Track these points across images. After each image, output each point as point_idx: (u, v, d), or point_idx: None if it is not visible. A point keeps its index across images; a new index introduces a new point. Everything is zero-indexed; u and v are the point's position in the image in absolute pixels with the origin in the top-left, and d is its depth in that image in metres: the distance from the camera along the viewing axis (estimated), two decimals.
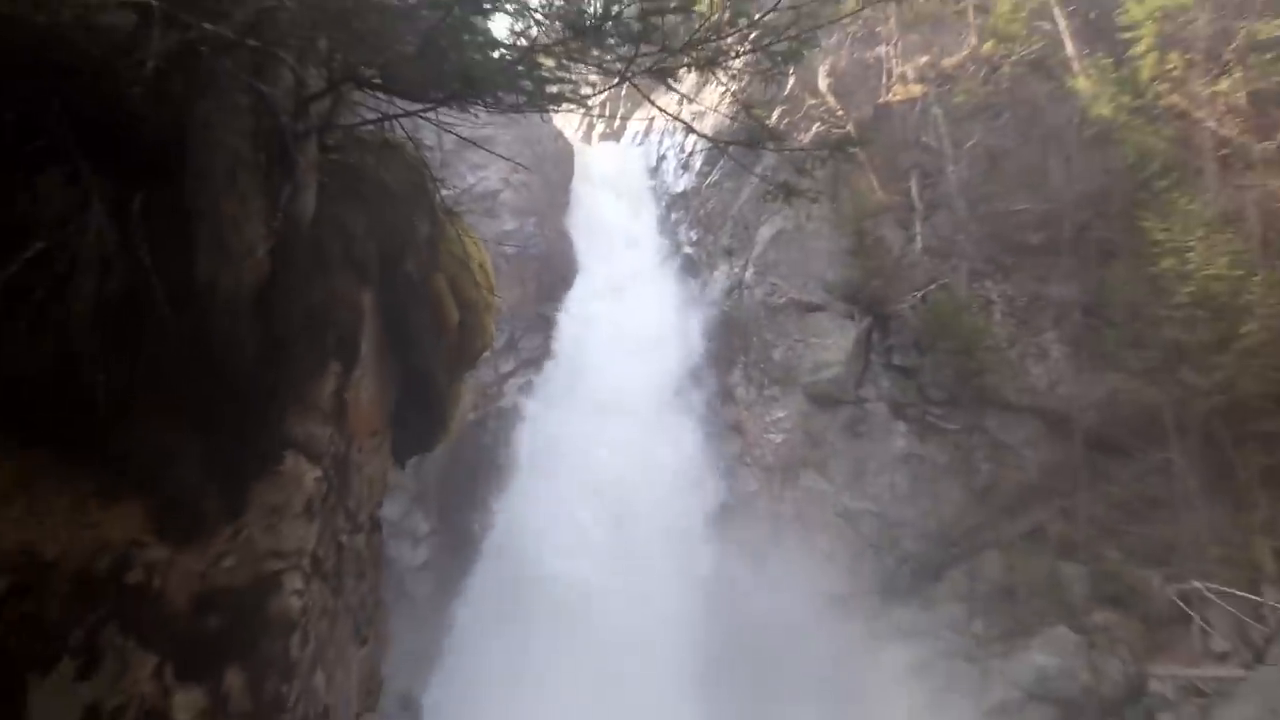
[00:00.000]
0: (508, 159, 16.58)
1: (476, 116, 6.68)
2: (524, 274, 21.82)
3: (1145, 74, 23.33)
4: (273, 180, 5.51)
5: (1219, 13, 22.51)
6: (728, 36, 6.74)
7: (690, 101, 7.71)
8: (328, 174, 6.08)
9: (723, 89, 8.60)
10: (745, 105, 8.96)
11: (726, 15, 6.62)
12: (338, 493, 6.28)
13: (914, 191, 23.85)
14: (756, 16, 6.69)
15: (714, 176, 25.31)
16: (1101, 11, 24.58)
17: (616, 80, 6.56)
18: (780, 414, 21.39)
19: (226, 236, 5.21)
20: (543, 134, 24.42)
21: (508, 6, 6.29)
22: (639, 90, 7.29)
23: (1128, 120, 23.07)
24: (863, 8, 8.54)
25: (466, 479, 18.99)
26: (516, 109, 6.57)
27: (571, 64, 6.39)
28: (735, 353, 22.55)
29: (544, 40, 6.35)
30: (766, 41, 6.85)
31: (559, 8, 6.23)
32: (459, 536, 18.74)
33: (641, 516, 18.95)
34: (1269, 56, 21.77)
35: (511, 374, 21.10)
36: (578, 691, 15.92)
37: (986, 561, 19.66)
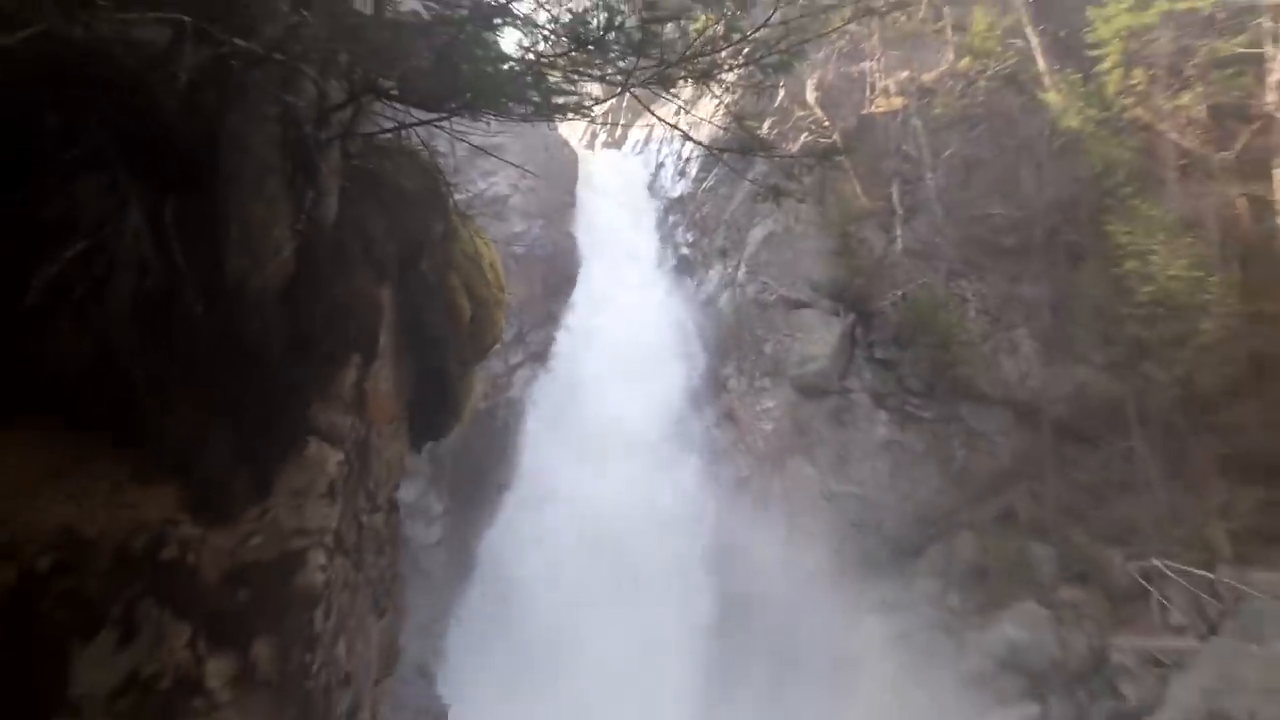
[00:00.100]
0: (517, 166, 16.63)
1: (487, 125, 6.67)
2: (531, 273, 21.83)
3: (1111, 89, 23.37)
4: (298, 186, 5.51)
5: (1181, 31, 22.52)
6: (722, 50, 6.74)
7: (687, 112, 7.71)
8: (349, 179, 6.09)
9: (717, 101, 8.60)
10: (737, 117, 8.94)
11: (721, 29, 6.62)
12: (358, 475, 6.29)
13: (895, 197, 23.87)
14: (749, 32, 6.68)
15: (709, 182, 25.33)
16: (1070, 30, 24.59)
17: (618, 90, 6.55)
18: (770, 404, 21.42)
19: (255, 238, 5.21)
20: (549, 142, 24.43)
21: (516, 22, 6.29)
22: (639, 101, 7.29)
23: (1094, 132, 23.14)
24: (848, 23, 8.52)
25: (477, 463, 19.01)
26: (525, 119, 6.57)
27: (576, 76, 6.39)
28: (728, 346, 22.56)
29: (550, 54, 6.35)
30: (759, 55, 6.85)
31: (565, 23, 6.22)
32: (470, 516, 18.76)
33: (642, 490, 18.98)
34: (1228, 73, 21.85)
35: (520, 365, 21.12)
36: (584, 652, 15.96)
37: (961, 541, 19.69)
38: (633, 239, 25.44)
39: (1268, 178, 21.24)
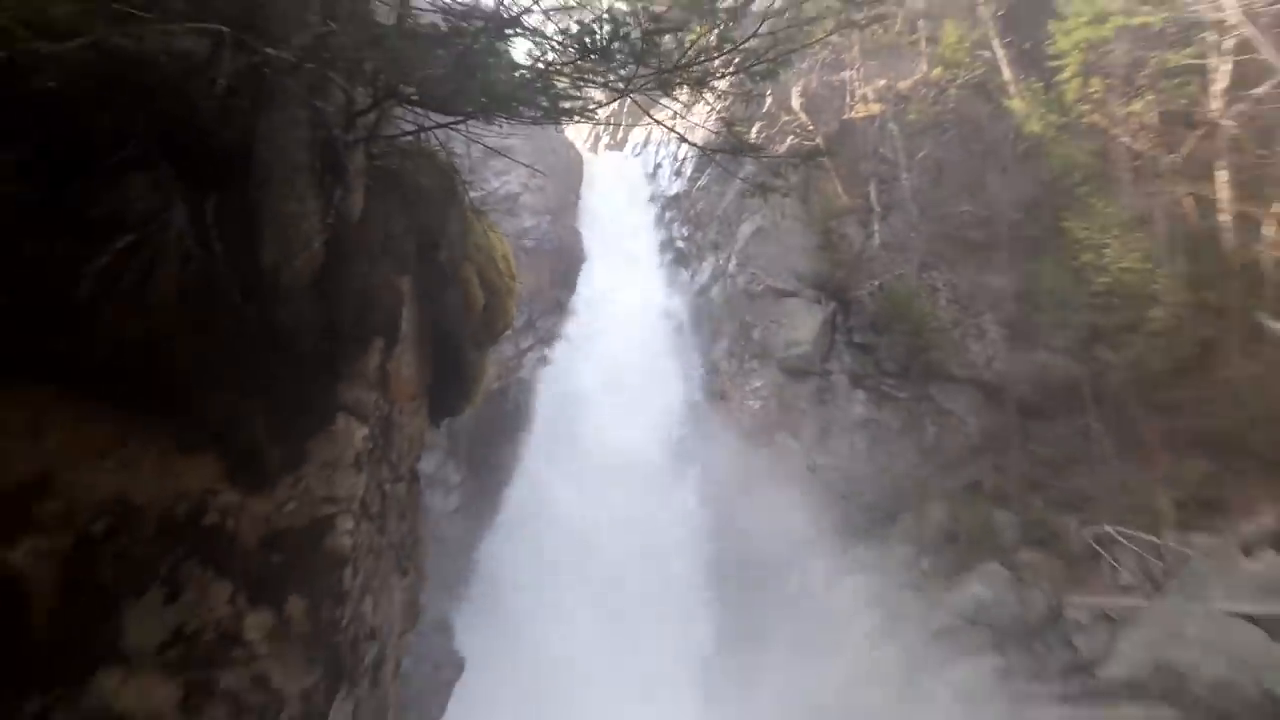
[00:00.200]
0: (527, 166, 16.57)
1: (500, 128, 6.67)
2: (540, 264, 21.81)
3: (1070, 96, 23.33)
4: (326, 184, 5.51)
5: (1134, 44, 22.47)
6: (715, 59, 6.73)
7: (683, 116, 7.70)
8: (372, 178, 6.08)
9: (710, 106, 8.58)
10: (728, 122, 8.93)
11: (714, 39, 6.60)
12: (382, 448, 6.30)
13: (873, 196, 23.83)
14: (740, 42, 6.67)
15: (702, 181, 25.30)
16: (1034, 42, 24.54)
17: (620, 95, 6.54)
18: (758, 384, 21.42)
19: (287, 232, 5.21)
20: (557, 144, 24.39)
21: (527, 34, 6.28)
22: (639, 105, 7.29)
23: (1055, 136, 23.16)
24: (830, 35, 8.48)
25: (491, 438, 19.03)
26: (535, 122, 6.56)
27: (582, 83, 6.37)
28: (720, 332, 22.56)
29: (558, 62, 6.34)
30: (748, 64, 6.83)
31: (572, 34, 6.21)
32: (485, 486, 18.79)
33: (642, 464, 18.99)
34: (1176, 82, 21.83)
35: (530, 349, 21.12)
36: (589, 614, 15.99)
37: (932, 509, 19.71)
38: (633, 234, 25.40)
39: (1211, 179, 21.22)
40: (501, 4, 6.14)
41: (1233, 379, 19.48)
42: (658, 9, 6.78)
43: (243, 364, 5.13)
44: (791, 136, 23.89)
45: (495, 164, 15.50)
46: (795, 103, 25.21)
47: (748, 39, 6.72)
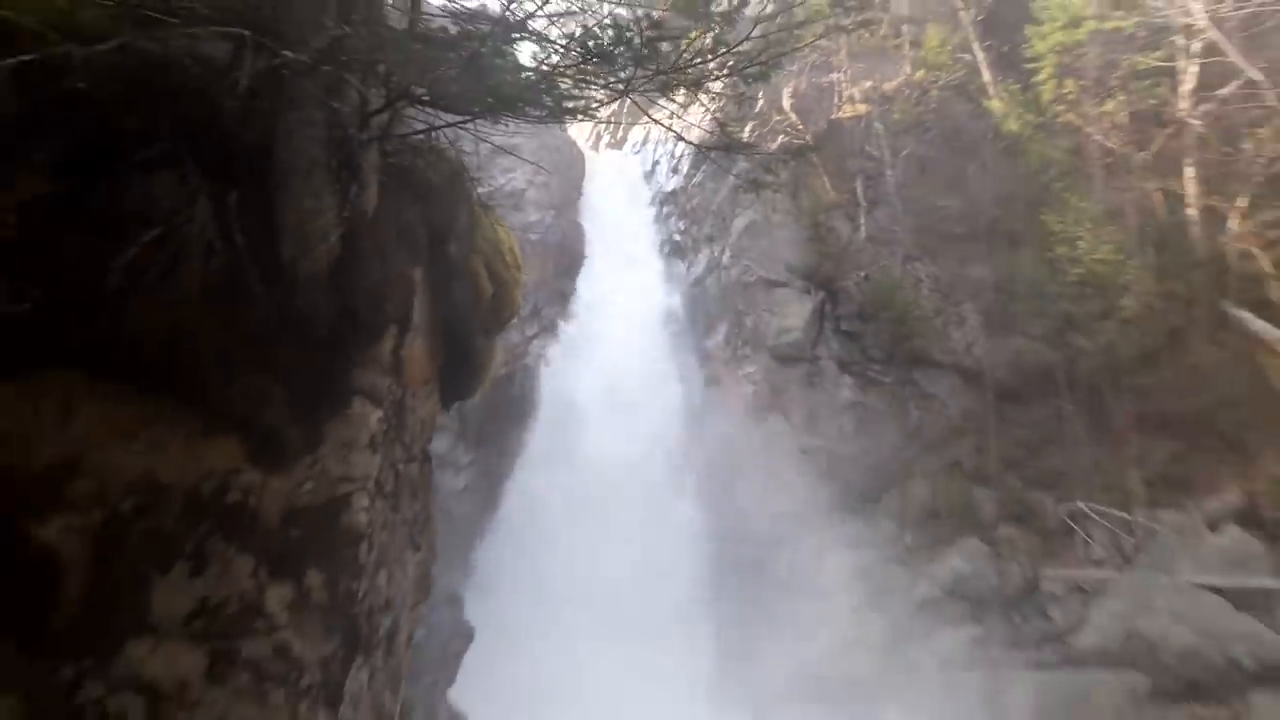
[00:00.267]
0: (532, 163, 16.52)
1: (507, 127, 6.66)
2: (544, 256, 21.78)
3: (1046, 97, 23.36)
4: (342, 180, 5.50)
5: (1106, 47, 22.50)
6: (710, 61, 6.71)
7: (679, 116, 7.69)
8: (386, 174, 6.07)
9: (705, 107, 8.57)
10: (722, 123, 8.92)
11: (709, 41, 6.59)
12: (396, 430, 6.29)
13: (859, 191, 23.81)
14: (734, 45, 6.66)
15: (698, 178, 25.25)
16: (1011, 46, 24.53)
17: (620, 94, 6.53)
18: (751, 369, 21.41)
19: (306, 226, 5.20)
20: (560, 143, 24.32)
21: (532, 37, 6.27)
22: (638, 106, 7.27)
23: (1032, 134, 23.20)
24: (818, 39, 8.48)
25: (499, 420, 19.03)
26: (539, 121, 6.55)
27: (584, 84, 6.36)
28: (714, 320, 22.55)
29: (562, 65, 6.32)
30: (742, 66, 6.81)
31: (576, 37, 6.19)
32: (493, 465, 18.80)
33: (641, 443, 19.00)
34: (1146, 83, 21.90)
35: (535, 336, 21.11)
36: (593, 582, 16.01)
37: (915, 487, 19.73)
38: (633, 228, 25.36)
39: (1179, 175, 21.26)
40: (507, 9, 6.12)
41: (1199, 364, 19.55)
42: (657, 13, 6.78)
43: (263, 351, 5.13)
44: (782, 135, 23.81)
45: (502, 161, 15.43)
46: (786, 103, 25.14)
47: (741, 42, 6.71)
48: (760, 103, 24.07)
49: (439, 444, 10.61)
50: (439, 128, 6.75)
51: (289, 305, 5.15)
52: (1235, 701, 14.46)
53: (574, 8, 6.67)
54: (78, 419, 4.70)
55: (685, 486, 19.25)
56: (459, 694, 11.58)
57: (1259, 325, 19.57)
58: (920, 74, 25.95)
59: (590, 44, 6.14)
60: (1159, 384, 19.59)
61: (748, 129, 22.57)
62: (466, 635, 12.67)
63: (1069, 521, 18.63)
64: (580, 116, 6.89)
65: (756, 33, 6.69)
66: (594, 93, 6.60)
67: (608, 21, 6.18)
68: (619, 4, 6.64)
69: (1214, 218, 20.66)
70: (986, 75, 25.12)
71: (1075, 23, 22.63)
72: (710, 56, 6.67)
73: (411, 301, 6.38)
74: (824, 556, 18.51)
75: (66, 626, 4.50)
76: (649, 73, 6.31)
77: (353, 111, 5.62)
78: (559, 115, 6.68)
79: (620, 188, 26.80)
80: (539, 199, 22.90)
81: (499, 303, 8.26)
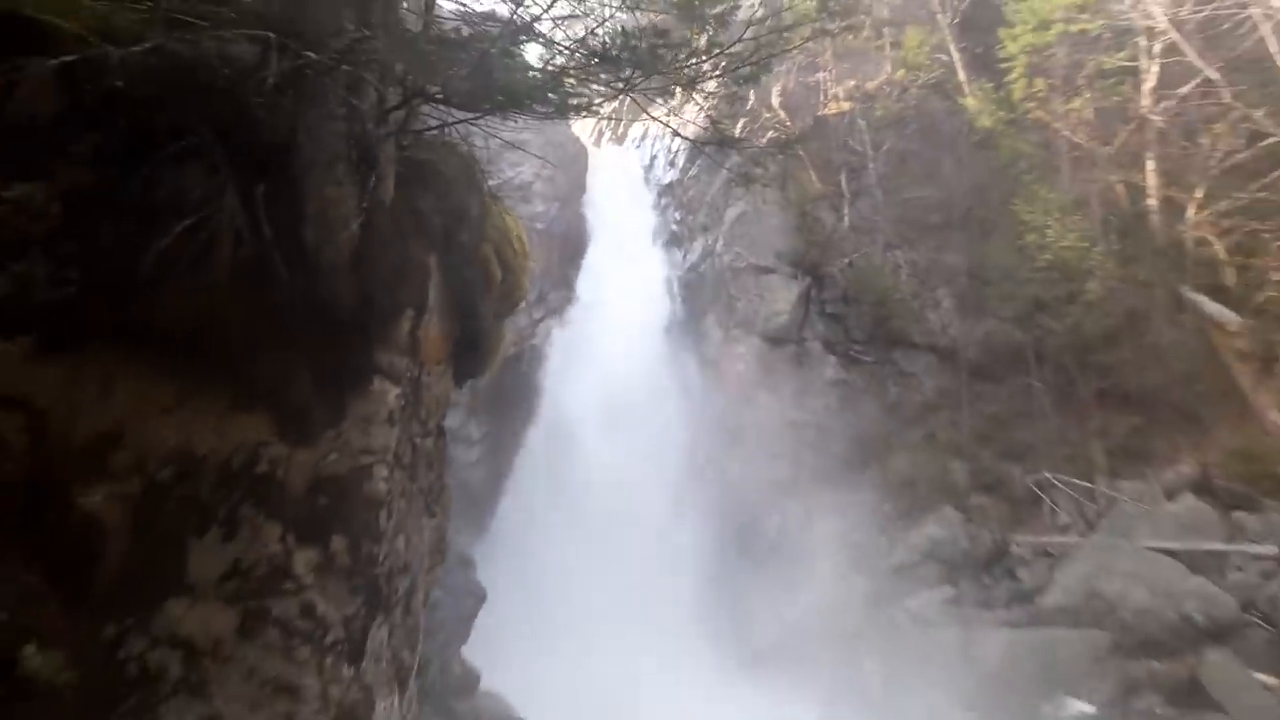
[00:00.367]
0: (539, 157, 16.47)
1: (515, 123, 6.63)
2: (550, 245, 21.75)
3: (1017, 95, 23.36)
4: (361, 172, 5.49)
5: (1074, 48, 22.52)
6: (704, 63, 6.69)
7: (676, 113, 7.68)
8: (402, 167, 6.06)
9: (700, 106, 8.55)
10: (715, 120, 8.91)
11: (703, 43, 6.57)
12: (413, 406, 6.30)
13: (843, 183, 23.80)
14: (726, 47, 6.64)
15: (693, 171, 25.20)
16: (985, 47, 24.52)
17: (620, 93, 6.51)
18: (742, 349, 21.40)
19: (328, 215, 5.20)
20: (564, 138, 24.22)
21: (539, 40, 6.25)
22: (637, 103, 7.25)
23: (1003, 130, 23.23)
24: (805, 41, 8.44)
25: (508, 397, 19.03)
26: (546, 118, 6.53)
27: (588, 84, 6.34)
28: (708, 304, 22.53)
29: (568, 66, 6.31)
30: (734, 67, 6.80)
31: (580, 39, 6.18)
32: (503, 440, 18.82)
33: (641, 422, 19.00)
34: (1111, 82, 21.93)
35: (541, 320, 21.10)
36: (594, 552, 16.05)
37: (894, 459, 19.78)
38: (632, 218, 25.30)
39: (1141, 168, 21.28)
40: (515, 12, 6.11)
41: (1158, 344, 19.61)
42: (657, 18, 6.76)
43: (289, 332, 5.14)
44: (771, 131, 23.76)
45: (511, 156, 15.35)
46: (775, 101, 25.11)
47: (734, 43, 6.69)
48: (751, 101, 24.02)
49: (452, 419, 10.63)
50: (452, 123, 6.74)
51: (312, 289, 5.16)
52: (1189, 656, 14.53)
53: (577, 11, 6.63)
54: (118, 395, 4.72)
55: (680, 458, 19.25)
56: (471, 650, 11.64)
57: (1213, 308, 19.65)
58: (900, 73, 25.94)
59: (594, 46, 6.14)
60: (1120, 362, 19.63)
61: (739, 125, 22.49)
62: (479, 596, 12.72)
63: (1036, 490, 18.68)
64: (583, 114, 6.87)
65: (748, 35, 6.67)
66: (597, 91, 6.58)
67: (616, 29, 6.19)
68: (619, 8, 6.60)
69: (1173, 208, 20.68)
70: (962, 75, 25.11)
71: (1044, 25, 22.59)
72: (704, 58, 6.65)
73: (427, 286, 6.37)
74: (810, 522, 18.57)
75: (109, 587, 4.52)
76: (649, 73, 6.30)
77: (371, 108, 5.61)
78: (564, 112, 6.66)
79: (621, 181, 26.72)
80: (545, 191, 22.87)
81: (508, 287, 8.25)
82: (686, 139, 8.88)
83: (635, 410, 18.88)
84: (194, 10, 4.61)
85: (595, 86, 6.47)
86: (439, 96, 6.16)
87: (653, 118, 8.25)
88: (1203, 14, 20.62)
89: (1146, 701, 14.20)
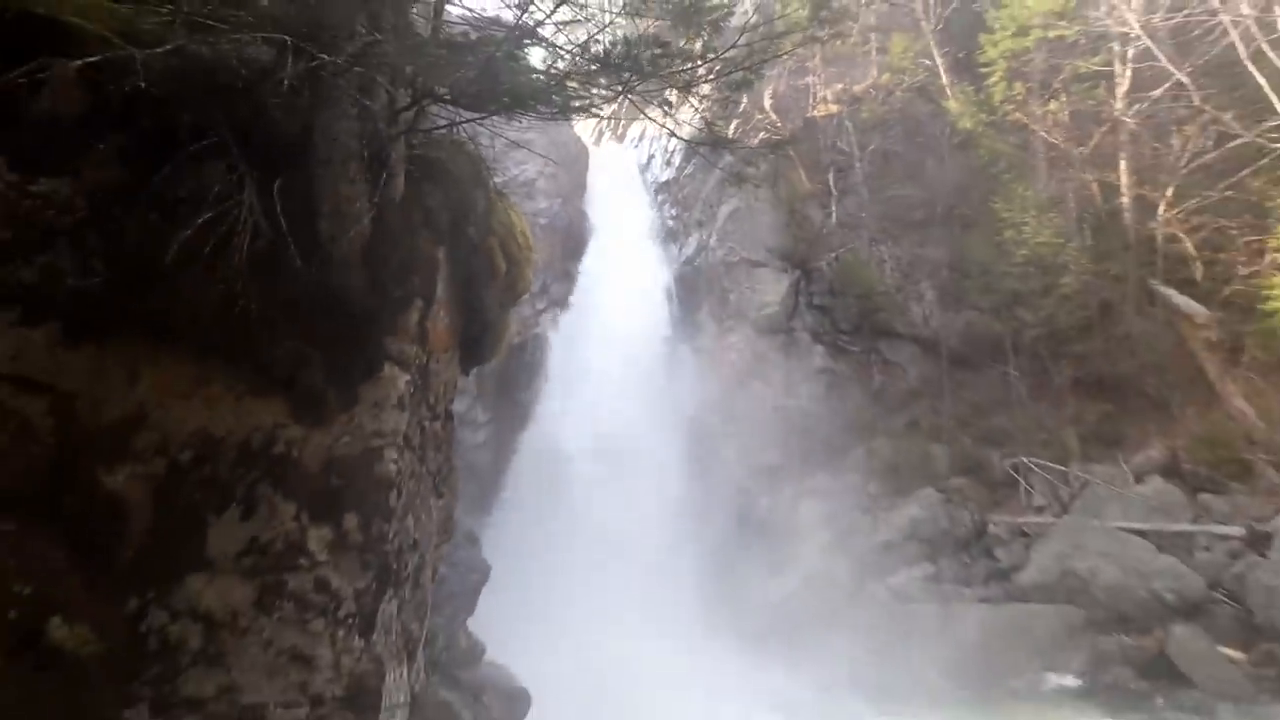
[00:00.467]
0: (542, 156, 16.39)
1: (519, 123, 6.63)
2: (552, 239, 21.71)
3: (997, 98, 23.30)
4: (373, 169, 5.49)
5: (1051, 53, 22.50)
6: (699, 68, 6.68)
7: (672, 114, 7.64)
8: (412, 165, 6.06)
9: (695, 108, 8.53)
10: (709, 121, 8.90)
11: (699, 47, 6.56)
12: (421, 391, 6.30)
13: (831, 182, 23.76)
14: (721, 52, 6.63)
15: (689, 169, 25.09)
16: (967, 52, 24.46)
17: (619, 94, 6.50)
18: (734, 339, 21.39)
19: (341, 210, 5.20)
20: (566, 138, 24.14)
21: (542, 44, 6.24)
22: (635, 105, 7.23)
23: (984, 131, 23.19)
24: (796, 48, 8.43)
25: (513, 383, 19.02)
26: (549, 118, 6.53)
27: (589, 87, 6.33)
28: (702, 296, 22.51)
29: (570, 70, 6.30)
30: (728, 72, 6.78)
31: (590, 51, 6.18)
32: (508, 423, 18.81)
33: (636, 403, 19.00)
34: (1086, 85, 21.90)
35: (544, 310, 21.07)
36: (594, 529, 16.06)
37: (879, 444, 19.80)
38: (630, 214, 25.25)
39: (1115, 167, 21.26)
40: (520, 17, 6.09)
41: (1129, 335, 19.68)
42: (655, 24, 6.75)
43: (304, 321, 5.15)
44: (763, 132, 23.68)
45: (515, 154, 15.29)
46: (766, 103, 25.04)
47: (729, 49, 6.67)
48: (743, 103, 23.94)
49: (459, 404, 10.61)
50: (459, 123, 6.72)
51: (326, 280, 5.16)
52: (1158, 630, 14.57)
53: (579, 17, 6.62)
54: (142, 380, 4.74)
55: (674, 440, 19.24)
56: (477, 623, 11.64)
57: (1182, 300, 19.71)
58: (886, 77, 25.89)
59: (596, 53, 6.13)
60: (1093, 352, 19.68)
61: (732, 126, 22.49)
62: (484, 572, 12.70)
63: (1013, 473, 18.70)
64: (584, 115, 6.86)
65: (741, 42, 6.66)
66: (597, 94, 6.57)
67: (617, 36, 6.19)
68: (619, 14, 6.59)
69: (1144, 205, 20.70)
70: (944, 78, 25.05)
71: (1024, 31, 22.56)
72: (700, 63, 6.64)
73: (435, 278, 6.37)
74: (798, 504, 18.61)
75: (132, 563, 4.54)
76: (647, 78, 6.29)
77: (382, 109, 5.61)
78: (566, 114, 6.67)
79: (620, 179, 26.66)
80: (548, 188, 22.83)
81: (512, 279, 8.24)
82: (682, 139, 8.87)
83: (628, 388, 18.94)
84: (214, 14, 4.61)
85: (596, 90, 6.45)
86: (447, 97, 6.15)
87: (650, 119, 8.23)
88: (1174, 21, 20.62)
89: (1117, 674, 14.26)
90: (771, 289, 22.10)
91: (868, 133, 24.33)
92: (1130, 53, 21.15)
